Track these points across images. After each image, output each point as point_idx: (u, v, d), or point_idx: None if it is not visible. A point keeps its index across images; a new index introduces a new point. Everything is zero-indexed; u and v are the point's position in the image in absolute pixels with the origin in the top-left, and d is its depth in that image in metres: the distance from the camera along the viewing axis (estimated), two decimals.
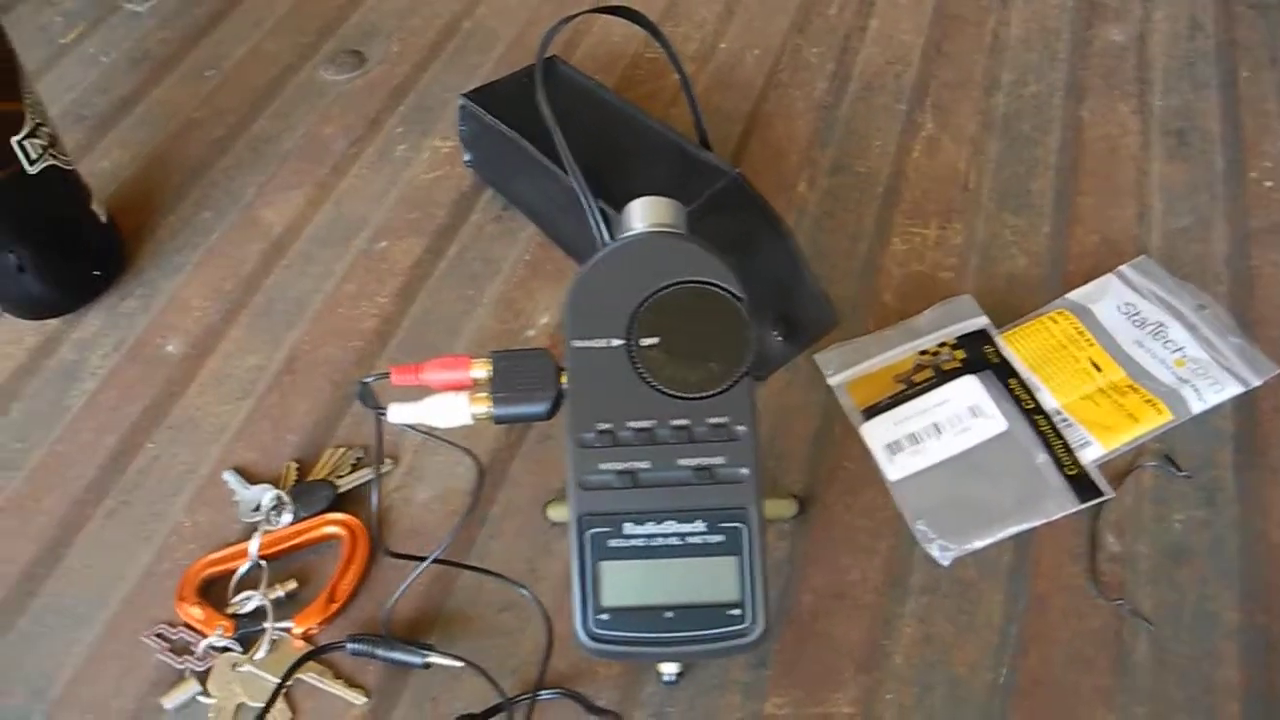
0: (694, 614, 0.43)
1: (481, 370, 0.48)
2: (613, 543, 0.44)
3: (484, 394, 0.48)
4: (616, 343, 0.45)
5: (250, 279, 0.73)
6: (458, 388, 0.48)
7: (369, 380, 0.49)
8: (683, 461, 0.44)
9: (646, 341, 0.45)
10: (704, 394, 0.44)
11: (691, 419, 0.44)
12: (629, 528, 0.44)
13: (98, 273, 0.73)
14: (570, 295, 0.46)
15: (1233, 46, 0.84)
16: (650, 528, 0.44)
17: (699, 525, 0.44)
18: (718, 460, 0.44)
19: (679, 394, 0.44)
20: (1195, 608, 0.55)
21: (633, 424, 0.44)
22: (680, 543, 0.44)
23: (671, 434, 0.44)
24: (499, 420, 0.47)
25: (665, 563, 0.44)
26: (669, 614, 0.43)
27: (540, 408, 0.47)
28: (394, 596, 0.53)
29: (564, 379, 0.47)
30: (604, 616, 0.44)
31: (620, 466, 0.44)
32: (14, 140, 0.64)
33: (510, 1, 0.94)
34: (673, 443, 0.44)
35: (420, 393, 0.49)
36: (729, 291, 0.46)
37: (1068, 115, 0.80)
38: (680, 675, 0.52)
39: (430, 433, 0.49)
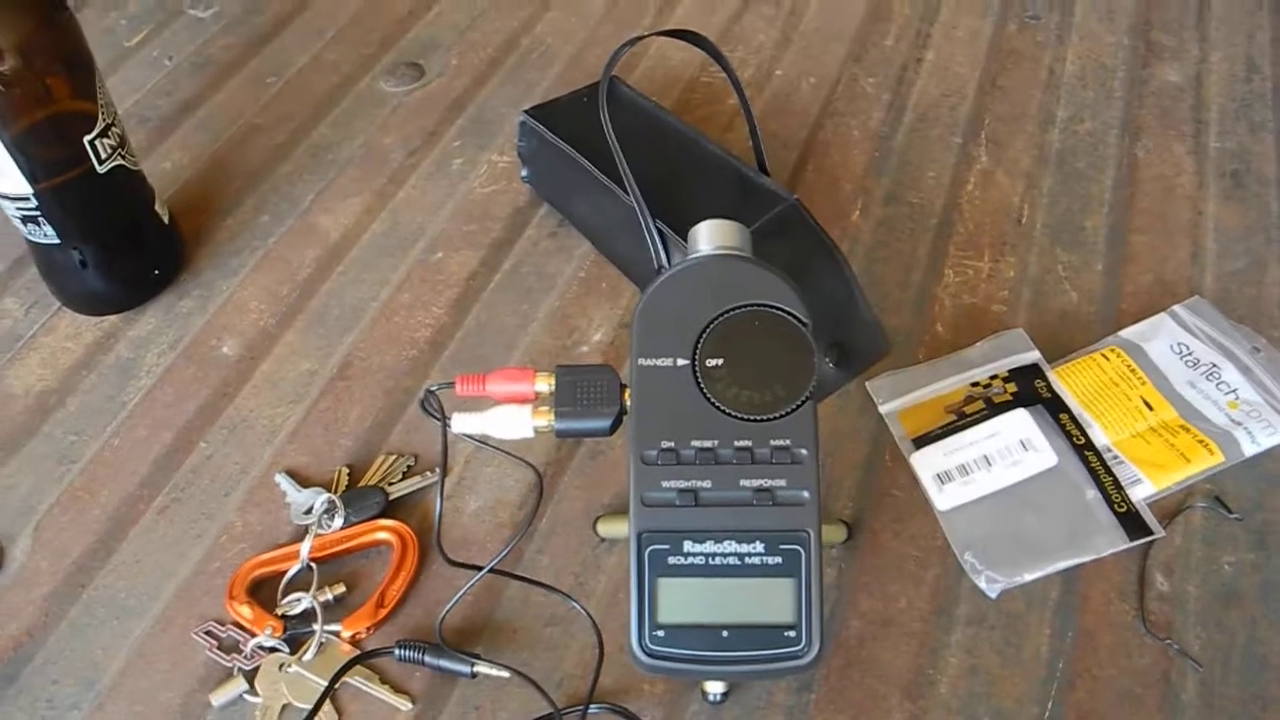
0: (750, 634, 0.44)
1: (544, 384, 0.48)
2: (672, 560, 0.44)
3: (546, 407, 0.48)
4: (682, 362, 0.46)
5: (306, 284, 0.74)
6: (520, 400, 0.49)
7: (434, 389, 0.49)
8: (744, 482, 0.44)
9: (712, 362, 0.45)
10: (767, 416, 0.45)
11: (754, 440, 0.45)
12: (688, 545, 0.44)
13: (157, 272, 0.75)
14: (638, 314, 0.47)
15: None
16: (710, 546, 0.44)
17: (758, 546, 0.44)
18: (779, 482, 0.44)
19: (742, 415, 0.45)
20: (1244, 650, 0.55)
21: (696, 443, 0.45)
22: (739, 563, 0.44)
23: (734, 454, 0.44)
24: (560, 434, 0.48)
25: (723, 582, 0.44)
26: (725, 633, 0.44)
27: (603, 423, 0.47)
28: (449, 604, 0.53)
29: (627, 396, 0.47)
30: (660, 633, 0.44)
31: (682, 485, 0.44)
32: (86, 139, 0.65)
33: (569, 21, 0.95)
34: (735, 463, 0.44)
35: (482, 403, 0.49)
36: (795, 316, 0.46)
37: (1122, 153, 0.80)
38: (725, 695, 0.52)
39: (486, 442, 0.50)
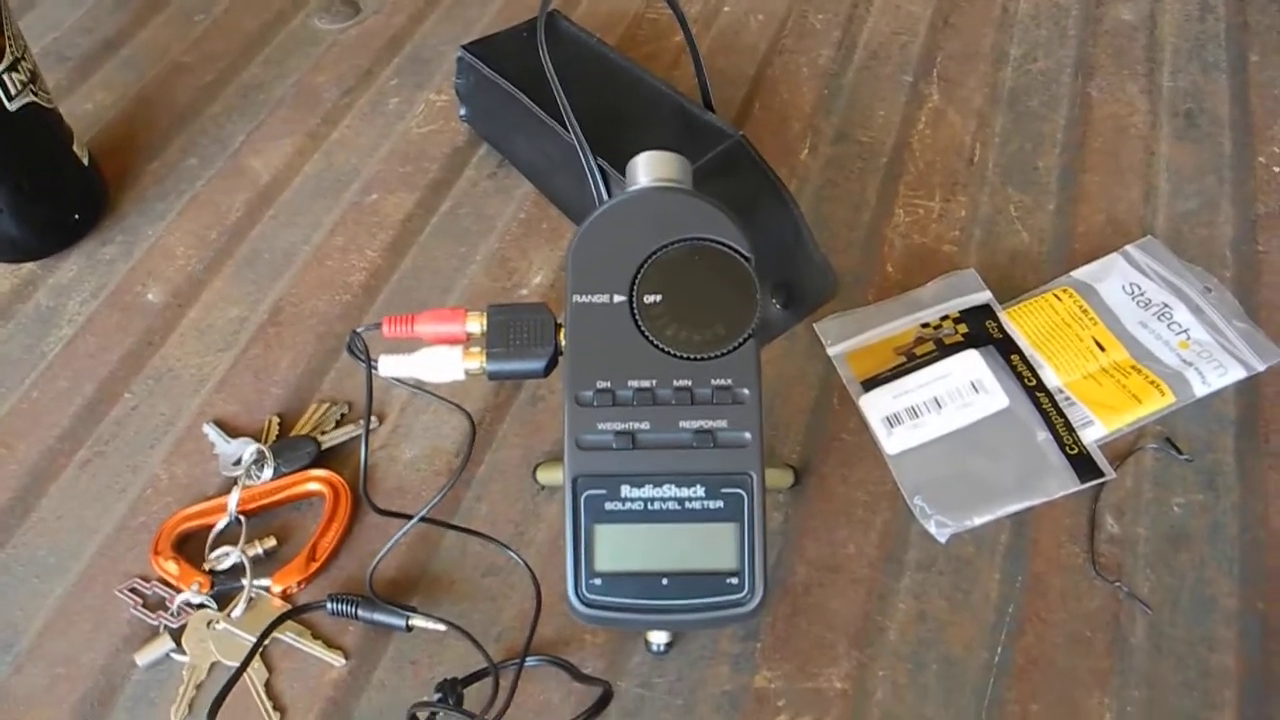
0: (691, 581, 0.42)
1: (476, 324, 0.46)
2: (609, 505, 0.42)
3: (478, 349, 0.46)
4: (619, 299, 0.44)
5: (236, 228, 0.71)
6: (451, 341, 0.46)
7: (361, 330, 0.47)
8: (684, 424, 0.42)
9: (650, 299, 0.43)
10: (708, 355, 0.43)
11: (694, 380, 0.43)
12: (626, 490, 0.42)
13: (77, 216, 0.71)
14: (573, 249, 0.44)
15: (1244, 30, 0.83)
16: (648, 491, 0.42)
17: (699, 490, 0.42)
18: (720, 423, 0.42)
19: (682, 354, 0.43)
20: (1193, 592, 0.54)
21: (633, 383, 0.43)
22: (679, 507, 0.42)
23: (673, 395, 0.43)
24: (493, 376, 0.46)
25: (662, 527, 0.42)
26: (664, 580, 0.42)
27: (536, 364, 0.45)
28: (379, 555, 0.51)
29: (562, 336, 0.45)
30: (597, 581, 0.42)
31: (619, 426, 0.42)
32: None
33: None
34: (674, 404, 0.42)
35: (413, 345, 0.47)
36: (737, 251, 0.44)
37: (1075, 92, 0.78)
38: (669, 645, 0.51)
39: (420, 387, 0.47)
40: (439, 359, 0.46)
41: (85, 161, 0.71)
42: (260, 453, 0.58)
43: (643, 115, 0.66)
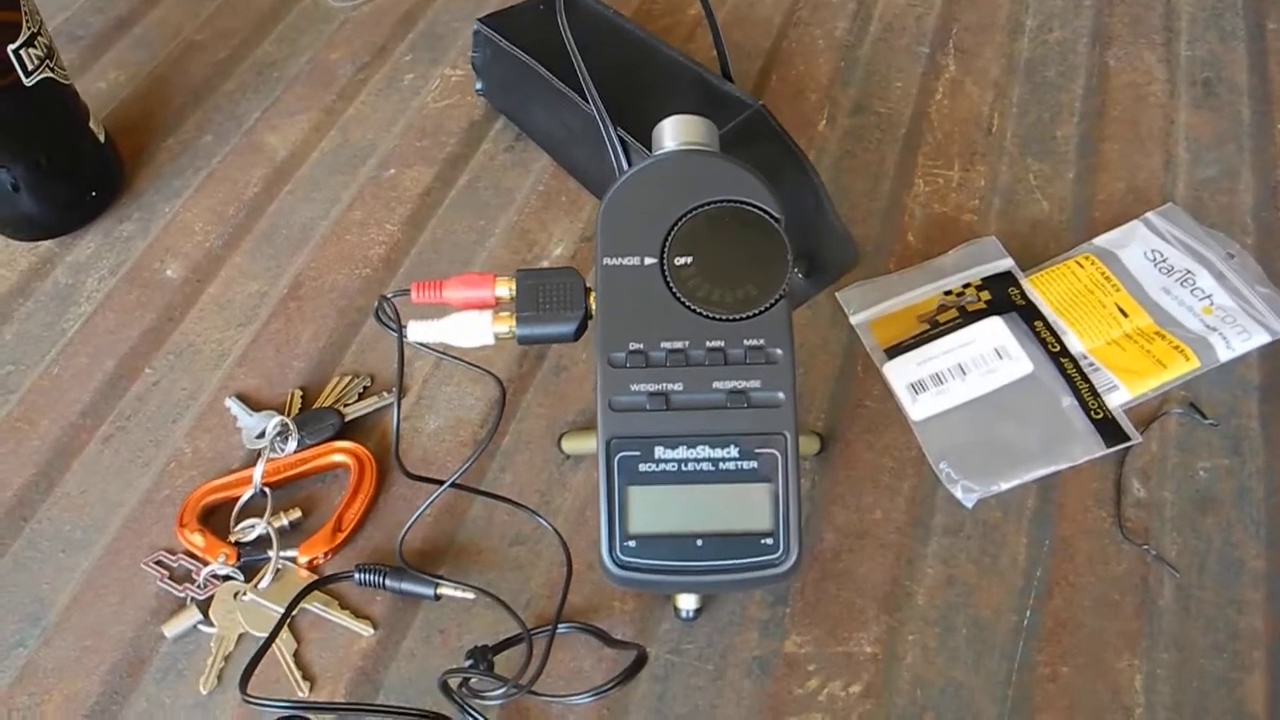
0: (725, 542, 0.42)
1: (505, 289, 0.46)
2: (643, 467, 0.42)
3: (507, 313, 0.46)
4: (650, 261, 0.43)
5: (253, 204, 0.71)
6: (480, 306, 0.46)
7: (390, 296, 0.47)
8: (717, 384, 0.42)
9: (681, 260, 0.43)
10: (740, 315, 0.43)
11: (726, 341, 0.43)
12: (660, 451, 0.42)
13: (94, 194, 0.71)
14: (602, 212, 0.44)
15: None
16: (682, 452, 0.42)
17: (732, 450, 0.42)
18: (753, 384, 0.42)
19: (714, 315, 0.43)
20: (1220, 555, 0.54)
21: (666, 344, 0.42)
22: (712, 468, 0.42)
23: (706, 355, 0.42)
24: (522, 340, 0.45)
25: (696, 489, 0.42)
26: (699, 542, 0.42)
27: (567, 328, 0.45)
28: (409, 522, 0.51)
29: (592, 299, 0.45)
30: (631, 544, 0.42)
31: (652, 388, 0.42)
32: (10, 49, 0.61)
33: None
34: (707, 365, 0.42)
35: (441, 311, 0.47)
36: (767, 212, 0.44)
37: (1093, 62, 0.78)
38: (698, 612, 0.51)
39: (448, 353, 0.47)
40: (468, 323, 0.46)
41: (101, 138, 0.71)
42: (284, 425, 0.58)
43: (661, 86, 0.65)
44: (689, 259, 0.43)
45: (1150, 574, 0.53)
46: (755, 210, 0.44)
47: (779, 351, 0.42)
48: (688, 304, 0.43)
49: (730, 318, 0.43)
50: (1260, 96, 0.75)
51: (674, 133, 0.48)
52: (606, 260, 0.44)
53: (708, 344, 0.43)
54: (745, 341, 0.43)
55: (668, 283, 0.43)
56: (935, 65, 0.78)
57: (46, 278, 0.68)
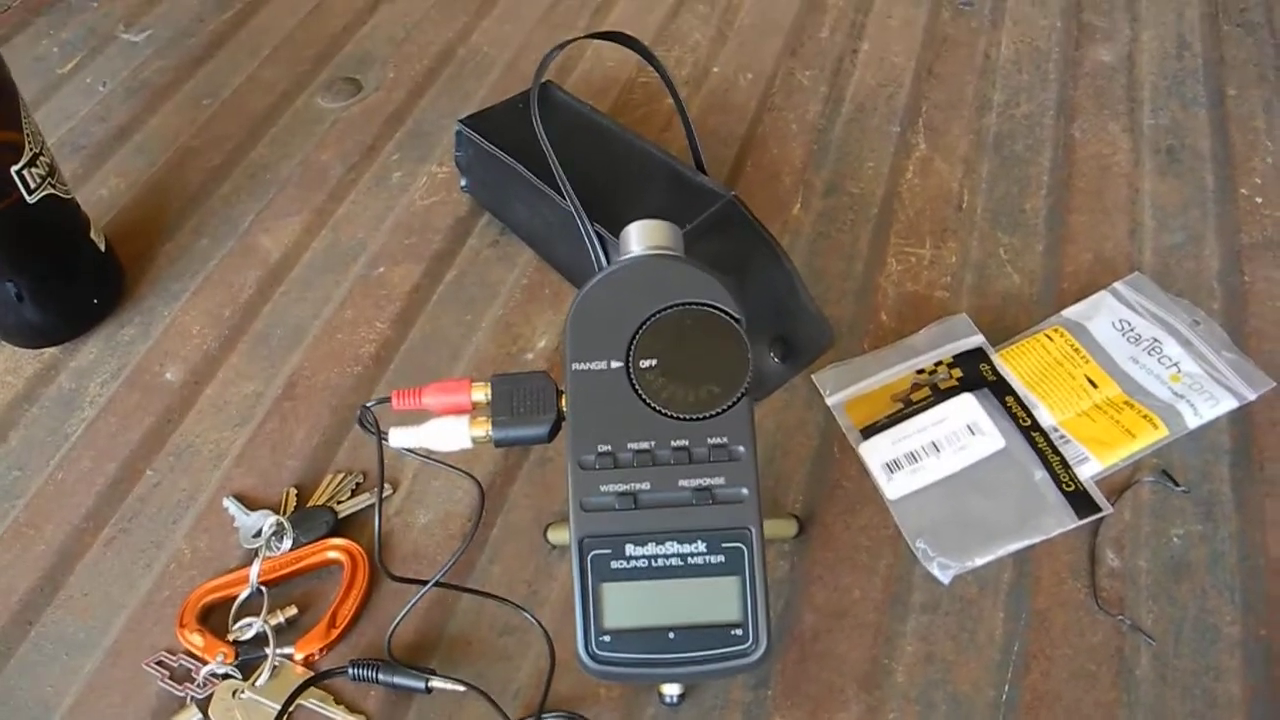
0: (696, 634, 0.43)
1: (481, 393, 0.48)
2: (615, 564, 0.44)
3: (484, 417, 0.48)
4: (616, 365, 0.45)
5: (249, 306, 0.74)
6: (458, 411, 0.48)
7: (371, 405, 0.49)
8: (683, 482, 0.44)
9: (645, 363, 0.45)
10: (703, 414, 0.45)
11: (691, 440, 0.44)
12: (630, 549, 0.44)
13: (96, 301, 0.74)
14: (570, 318, 0.46)
15: (1220, 64, 0.85)
16: (652, 548, 0.44)
17: (700, 546, 0.44)
18: (718, 480, 0.44)
19: (678, 415, 0.45)
20: (1196, 621, 0.55)
21: (633, 445, 0.44)
22: (682, 563, 0.44)
23: (671, 455, 0.44)
24: (499, 443, 0.47)
25: (667, 583, 0.44)
26: (671, 635, 0.43)
27: (540, 430, 0.47)
28: (396, 621, 0.52)
29: (564, 401, 0.47)
30: (606, 638, 0.43)
31: (621, 488, 0.44)
32: (13, 170, 0.64)
33: (504, 28, 0.94)
34: (673, 464, 0.44)
35: (421, 417, 0.49)
36: (727, 312, 0.46)
37: (1059, 134, 0.80)
38: (682, 696, 0.52)
39: (430, 456, 0.49)
40: (447, 429, 0.48)
41: (102, 247, 0.73)
42: (279, 524, 0.60)
43: (637, 180, 0.68)
44: (653, 361, 0.45)
45: (1126, 643, 0.54)
46: (715, 311, 0.46)
47: (741, 449, 0.44)
48: (653, 405, 0.45)
49: (694, 417, 0.45)
50: (1223, 161, 0.77)
51: (639, 237, 0.50)
52: (575, 365, 0.46)
53: (673, 443, 0.44)
54: (709, 440, 0.44)
55: (634, 385, 0.45)
56: (906, 144, 0.80)
57: (51, 383, 0.71)
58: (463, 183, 0.77)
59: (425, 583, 0.51)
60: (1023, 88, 0.84)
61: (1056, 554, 0.58)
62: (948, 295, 0.70)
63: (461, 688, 0.53)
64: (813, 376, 0.65)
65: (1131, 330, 0.65)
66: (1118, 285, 0.68)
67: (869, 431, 0.62)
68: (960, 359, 0.64)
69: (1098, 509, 0.58)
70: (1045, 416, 0.61)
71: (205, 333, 0.72)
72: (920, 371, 0.64)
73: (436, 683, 0.53)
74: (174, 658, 0.57)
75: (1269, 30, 0.88)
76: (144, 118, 0.89)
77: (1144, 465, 0.61)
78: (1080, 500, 0.58)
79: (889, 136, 0.81)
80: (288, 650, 0.56)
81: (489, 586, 0.57)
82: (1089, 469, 0.59)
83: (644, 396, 0.45)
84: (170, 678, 0.56)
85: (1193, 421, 0.61)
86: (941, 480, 0.59)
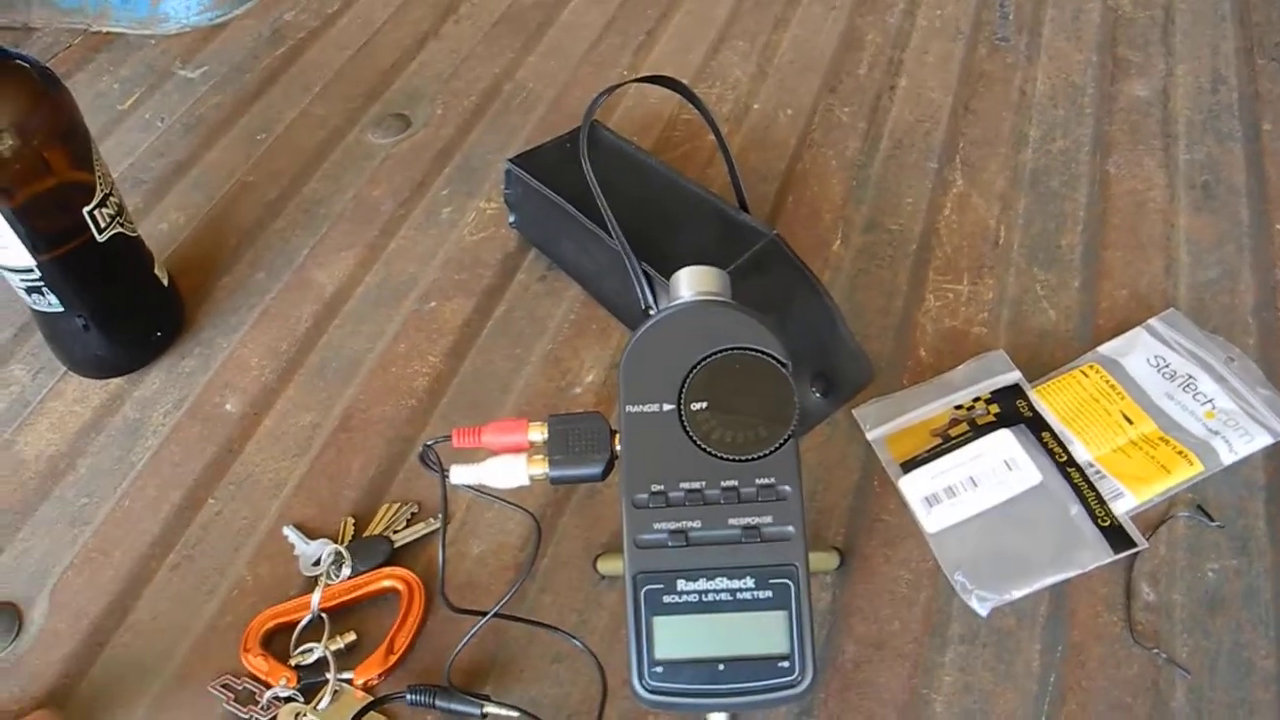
0: (745, 666, 0.45)
1: (538, 433, 0.50)
2: (666, 598, 0.45)
3: (541, 456, 0.50)
4: (668, 407, 0.47)
5: (305, 339, 0.76)
6: (516, 450, 0.50)
7: (432, 444, 0.51)
8: (732, 521, 0.46)
9: (696, 406, 0.47)
10: (751, 456, 0.46)
11: (740, 480, 0.46)
12: (682, 584, 0.46)
13: (159, 334, 0.76)
14: (624, 362, 0.48)
15: (1255, 99, 0.86)
16: (702, 584, 0.46)
17: (749, 581, 0.45)
18: (765, 519, 0.46)
19: (728, 456, 0.46)
20: (1231, 655, 0.56)
21: (684, 485, 0.46)
22: (731, 598, 0.45)
23: (721, 494, 0.46)
24: (555, 481, 0.49)
25: (717, 617, 0.45)
26: (721, 666, 0.45)
27: (595, 470, 0.49)
28: (456, 649, 0.55)
29: (617, 442, 0.49)
30: (659, 669, 0.45)
31: (673, 526, 0.46)
32: (85, 210, 0.67)
33: (549, 64, 0.97)
34: (722, 503, 0.46)
35: (480, 454, 0.51)
36: (774, 357, 0.48)
37: (1095, 170, 0.82)
38: None
39: (485, 492, 0.51)
40: (506, 467, 0.50)
41: (165, 282, 0.76)
42: (338, 554, 0.62)
43: (681, 220, 0.70)
44: (704, 404, 0.47)
45: (1161, 676, 0.56)
46: (763, 356, 0.48)
47: (788, 488, 0.46)
48: (703, 446, 0.47)
49: (742, 458, 0.47)
50: (1258, 196, 0.79)
51: (689, 283, 0.52)
52: (629, 408, 0.48)
53: (722, 484, 0.46)
54: (757, 480, 0.46)
55: (685, 427, 0.47)
56: (943, 180, 0.82)
57: (116, 413, 0.73)
58: (511, 219, 0.80)
59: (484, 614, 0.53)
60: (1058, 123, 0.86)
61: (1093, 588, 0.59)
62: (985, 331, 0.71)
63: (515, 714, 0.55)
64: (854, 411, 0.67)
65: (1167, 366, 0.67)
66: (1153, 322, 0.70)
67: (909, 466, 0.64)
68: (997, 395, 0.66)
69: (1133, 544, 0.59)
70: (1081, 452, 0.63)
71: (263, 365, 0.75)
72: (958, 407, 0.66)
73: (491, 709, 0.55)
74: (238, 681, 0.59)
75: None
76: (201, 153, 0.93)
77: (1179, 500, 0.62)
78: (1116, 535, 0.60)
79: (927, 173, 0.83)
80: (347, 675, 0.59)
81: (540, 615, 0.59)
82: (1124, 504, 0.61)
83: (695, 438, 0.47)
84: (235, 700, 0.59)
85: (1227, 458, 0.62)
86: (980, 514, 0.61)
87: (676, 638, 0.46)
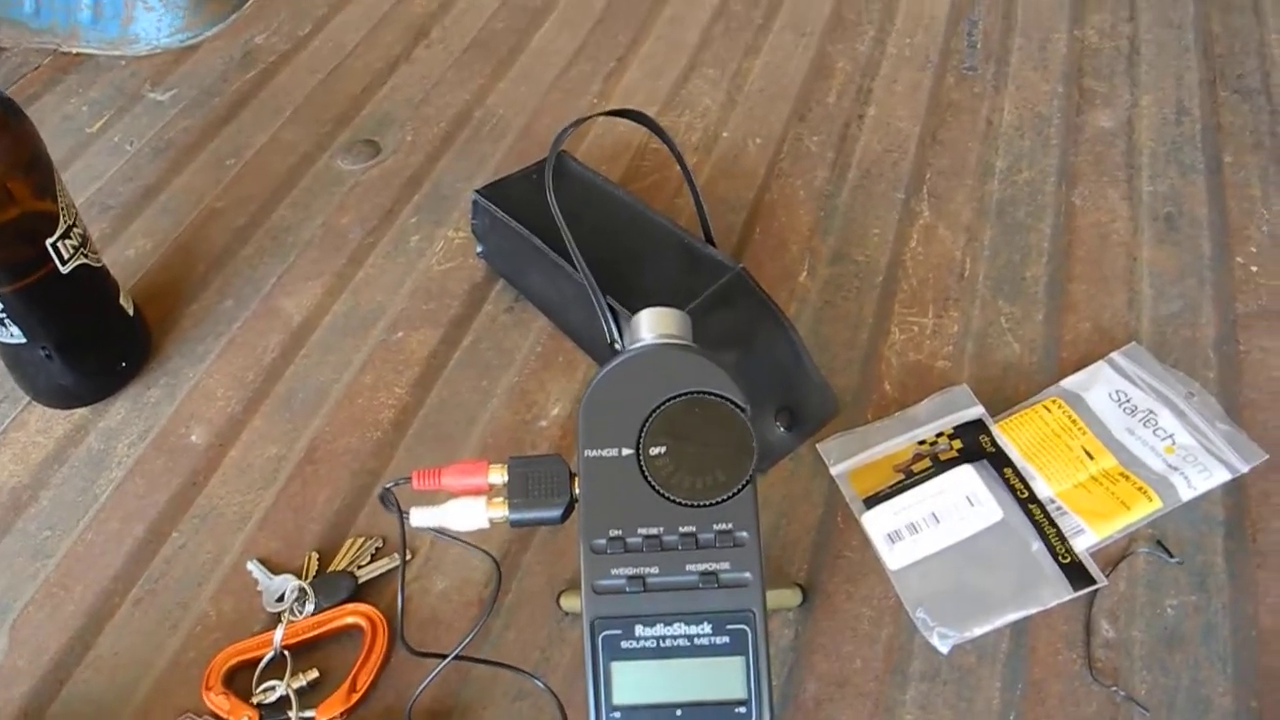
0: (702, 712, 0.45)
1: (498, 476, 0.50)
2: (624, 644, 0.46)
3: (500, 499, 0.50)
4: (627, 452, 0.47)
5: (271, 369, 0.76)
6: (475, 492, 0.50)
7: (391, 486, 0.51)
8: (690, 567, 0.46)
9: (655, 450, 0.47)
10: (709, 501, 0.47)
11: (698, 526, 0.46)
12: (639, 629, 0.46)
13: (124, 364, 0.76)
14: (583, 406, 0.48)
15: (1218, 131, 0.87)
16: (660, 629, 0.46)
17: (706, 627, 0.46)
18: (723, 565, 0.46)
19: (686, 501, 0.47)
20: (1189, 692, 0.57)
21: (642, 530, 0.46)
22: (689, 644, 0.46)
23: (679, 540, 0.46)
24: (514, 524, 0.50)
25: (674, 663, 0.45)
26: (679, 712, 0.45)
27: (554, 513, 0.49)
28: (415, 693, 0.55)
29: (577, 485, 0.49)
30: (616, 715, 0.45)
31: (630, 571, 0.46)
32: (48, 242, 0.67)
33: (519, 91, 0.97)
34: (680, 548, 0.46)
35: (440, 496, 0.51)
36: (733, 402, 0.48)
37: (1060, 201, 0.82)
38: None
39: (445, 533, 0.51)
40: (465, 510, 0.50)
41: (130, 311, 0.76)
42: (302, 589, 0.62)
43: (648, 252, 0.70)
44: (662, 449, 0.47)
45: (1120, 713, 0.56)
46: (722, 400, 0.48)
47: (745, 534, 0.46)
48: (661, 492, 0.47)
49: (700, 504, 0.47)
50: (1220, 229, 0.79)
51: (650, 325, 0.52)
52: (587, 452, 0.48)
53: (680, 529, 0.46)
54: (715, 526, 0.46)
55: (643, 472, 0.47)
56: (910, 211, 0.82)
57: (80, 444, 0.73)
58: (479, 249, 0.80)
59: (444, 656, 0.53)
60: (1024, 153, 0.87)
61: (1053, 624, 0.59)
62: (949, 365, 0.72)
63: None
64: (817, 446, 0.67)
65: (1128, 401, 0.67)
66: (1115, 356, 0.70)
67: (871, 501, 0.64)
68: (960, 430, 0.66)
69: (1093, 581, 0.60)
70: (1043, 488, 0.63)
71: (229, 395, 0.75)
72: (921, 442, 0.66)
73: None
74: (199, 719, 0.59)
75: (1265, 96, 0.90)
76: (169, 178, 0.92)
77: (1139, 536, 0.62)
78: (1076, 572, 0.60)
79: (894, 203, 0.83)
80: (309, 714, 0.58)
81: (503, 652, 0.59)
82: (1084, 541, 0.61)
83: (653, 483, 0.47)
84: None
85: (1186, 494, 0.63)
86: (941, 551, 0.61)
87: (634, 683, 0.46)
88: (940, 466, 0.64)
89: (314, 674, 0.60)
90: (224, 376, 0.76)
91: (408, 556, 0.65)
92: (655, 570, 0.46)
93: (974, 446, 0.65)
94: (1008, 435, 0.66)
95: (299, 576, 0.64)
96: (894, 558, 0.61)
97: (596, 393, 0.49)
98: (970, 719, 0.56)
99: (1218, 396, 0.68)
